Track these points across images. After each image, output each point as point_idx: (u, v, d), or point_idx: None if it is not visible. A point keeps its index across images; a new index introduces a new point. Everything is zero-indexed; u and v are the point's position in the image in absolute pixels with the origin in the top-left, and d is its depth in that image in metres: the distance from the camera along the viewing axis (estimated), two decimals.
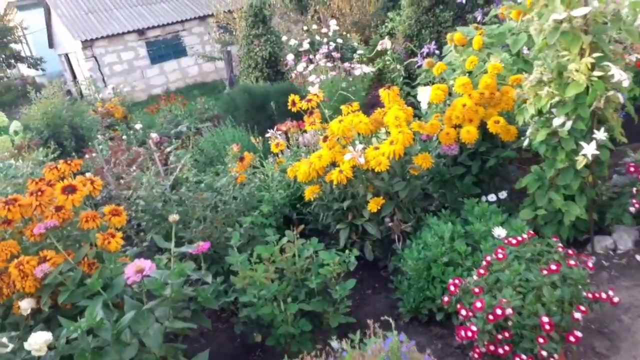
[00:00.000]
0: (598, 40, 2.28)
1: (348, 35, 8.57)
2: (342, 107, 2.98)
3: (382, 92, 2.92)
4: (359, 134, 2.88)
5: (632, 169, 2.55)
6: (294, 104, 3.19)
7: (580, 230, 2.64)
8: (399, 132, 2.61)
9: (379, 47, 4.90)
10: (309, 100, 3.09)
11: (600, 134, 2.37)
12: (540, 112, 2.52)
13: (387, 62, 4.93)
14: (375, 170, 2.59)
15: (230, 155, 3.08)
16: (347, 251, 2.36)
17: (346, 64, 5.75)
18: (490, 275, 1.80)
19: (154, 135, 5.21)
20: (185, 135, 5.28)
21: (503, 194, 2.96)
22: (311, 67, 5.58)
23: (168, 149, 3.68)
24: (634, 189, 2.42)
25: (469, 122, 2.87)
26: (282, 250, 2.35)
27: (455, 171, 2.99)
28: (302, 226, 2.51)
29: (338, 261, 2.21)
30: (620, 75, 2.25)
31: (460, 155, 2.99)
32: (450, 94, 3.15)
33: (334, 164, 2.79)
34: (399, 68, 4.34)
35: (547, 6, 2.32)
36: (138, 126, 5.52)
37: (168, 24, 14.82)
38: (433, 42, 5.34)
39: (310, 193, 2.84)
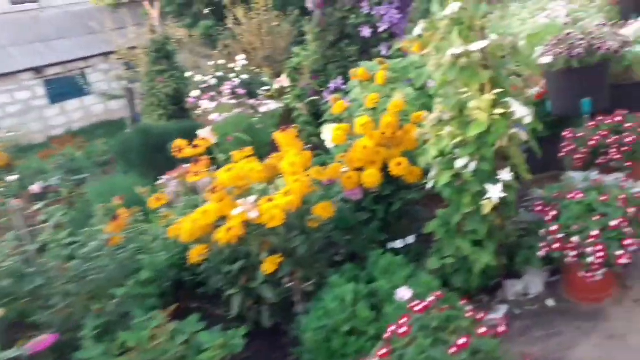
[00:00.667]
0: (498, 75, 2.15)
1: (259, 70, 8.36)
2: (233, 152, 2.66)
3: (277, 136, 2.64)
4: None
5: (538, 207, 2.43)
6: (180, 149, 2.82)
7: (491, 275, 2.47)
8: (295, 181, 2.32)
9: (276, 85, 4.69)
10: (196, 146, 2.73)
11: (505, 174, 2.22)
12: (442, 153, 2.34)
13: (287, 101, 4.71)
14: (269, 226, 2.27)
15: (99, 213, 2.64)
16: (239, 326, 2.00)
17: (252, 101, 5.47)
18: (394, 354, 1.53)
19: (34, 186, 4.59)
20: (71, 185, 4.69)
21: (411, 239, 2.75)
22: (214, 104, 5.24)
23: (37, 206, 3.15)
24: (542, 231, 2.28)
25: (371, 164, 2.65)
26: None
27: (360, 217, 2.75)
28: (177, 305, 2.11)
29: (221, 344, 1.84)
30: (522, 112, 2.12)
31: (364, 199, 2.76)
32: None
33: (225, 218, 2.45)
34: (300, 107, 4.12)
35: (444, 40, 2.17)
36: (12, 178, 4.83)
37: (69, 61, 13.88)
38: (340, 77, 5.21)
39: (195, 255, 2.45)
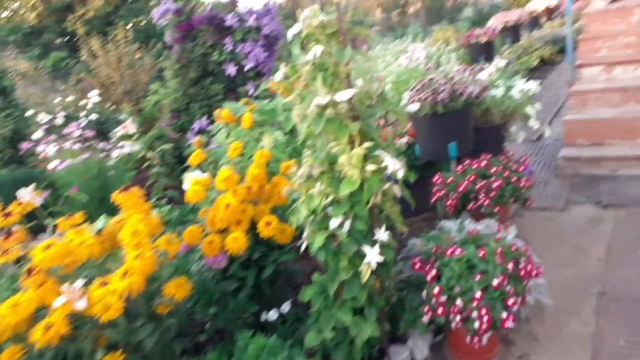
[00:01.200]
0: (367, 126, 1.95)
1: (117, 106, 7.61)
2: (60, 219, 2.13)
3: (117, 197, 2.17)
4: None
5: (417, 265, 2.26)
6: None
7: (374, 344, 2.23)
8: (136, 257, 1.87)
9: (119, 132, 4.17)
10: (8, 215, 2.14)
11: (382, 234, 2.01)
12: (315, 212, 2.07)
13: (135, 151, 4.19)
14: (104, 319, 1.78)
15: None
16: None
17: (103, 143, 4.81)
18: None
19: None
20: None
21: (286, 306, 2.43)
22: (56, 148, 4.49)
23: None
24: (424, 293, 2.10)
25: (237, 224, 2.29)
26: None
27: (227, 286, 2.36)
28: None
29: None
30: (394, 165, 1.93)
31: (231, 265, 2.39)
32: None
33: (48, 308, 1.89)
34: (151, 156, 3.64)
35: (307, 87, 1.92)
36: None
37: None
38: (205, 117, 4.82)
39: (8, 358, 1.86)
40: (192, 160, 2.74)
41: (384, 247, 2.00)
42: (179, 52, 4.94)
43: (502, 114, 3.28)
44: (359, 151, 1.85)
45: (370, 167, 1.82)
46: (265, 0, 5.00)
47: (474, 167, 2.94)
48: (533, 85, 3.29)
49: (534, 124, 3.31)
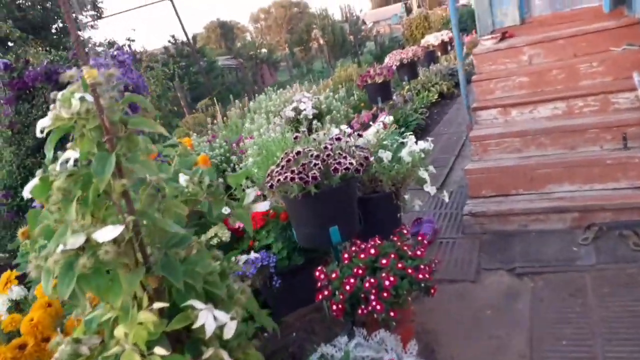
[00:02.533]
0: (169, 269, 1.23)
1: None
2: None
3: None
4: None
5: None
6: None
7: None
8: None
9: None
10: None
11: None
12: None
13: None
14: None
15: None
16: None
17: None
18: None
19: None
20: None
21: None
22: None
23: None
24: None
25: None
26: None
27: None
28: None
29: None
30: (212, 325, 1.22)
31: None
32: None
33: None
34: None
35: (59, 216, 1.18)
36: None
37: None
38: None
39: None
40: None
41: None
42: (11, 116, 4.01)
43: (392, 180, 2.73)
44: (147, 317, 1.13)
45: (161, 351, 1.09)
46: (120, 49, 4.22)
47: (361, 257, 2.32)
48: (425, 145, 2.79)
49: (430, 189, 2.78)
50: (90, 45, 19.89)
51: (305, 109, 4.33)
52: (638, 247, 2.94)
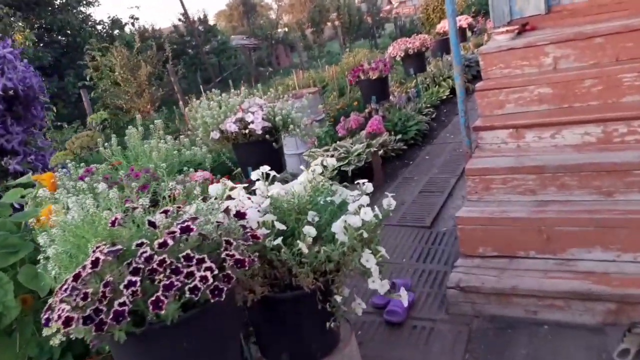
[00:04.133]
0: None
1: None
2: None
3: None
4: None
5: None
6: None
7: None
8: None
9: None
10: None
11: None
12: None
13: None
14: None
15: None
16: None
17: None
18: None
19: None
20: None
21: None
22: None
23: None
24: None
25: None
26: None
27: None
28: None
29: None
30: None
31: None
32: None
33: None
34: None
35: None
36: None
37: None
38: None
39: None
40: None
41: None
42: None
43: (317, 272, 1.70)
44: None
45: None
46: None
47: None
48: (373, 213, 1.73)
49: (378, 285, 1.74)
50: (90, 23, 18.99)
51: (253, 121, 3.30)
52: None
